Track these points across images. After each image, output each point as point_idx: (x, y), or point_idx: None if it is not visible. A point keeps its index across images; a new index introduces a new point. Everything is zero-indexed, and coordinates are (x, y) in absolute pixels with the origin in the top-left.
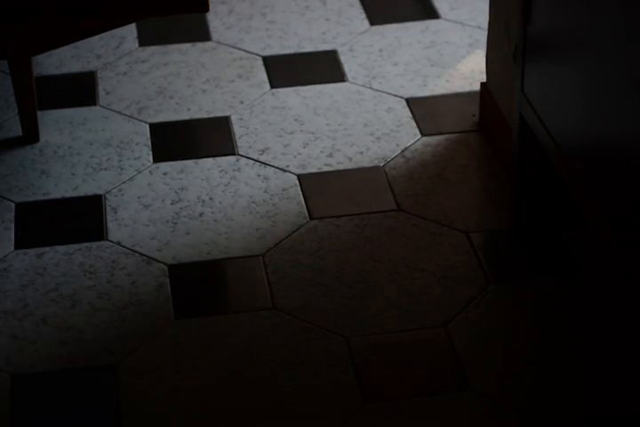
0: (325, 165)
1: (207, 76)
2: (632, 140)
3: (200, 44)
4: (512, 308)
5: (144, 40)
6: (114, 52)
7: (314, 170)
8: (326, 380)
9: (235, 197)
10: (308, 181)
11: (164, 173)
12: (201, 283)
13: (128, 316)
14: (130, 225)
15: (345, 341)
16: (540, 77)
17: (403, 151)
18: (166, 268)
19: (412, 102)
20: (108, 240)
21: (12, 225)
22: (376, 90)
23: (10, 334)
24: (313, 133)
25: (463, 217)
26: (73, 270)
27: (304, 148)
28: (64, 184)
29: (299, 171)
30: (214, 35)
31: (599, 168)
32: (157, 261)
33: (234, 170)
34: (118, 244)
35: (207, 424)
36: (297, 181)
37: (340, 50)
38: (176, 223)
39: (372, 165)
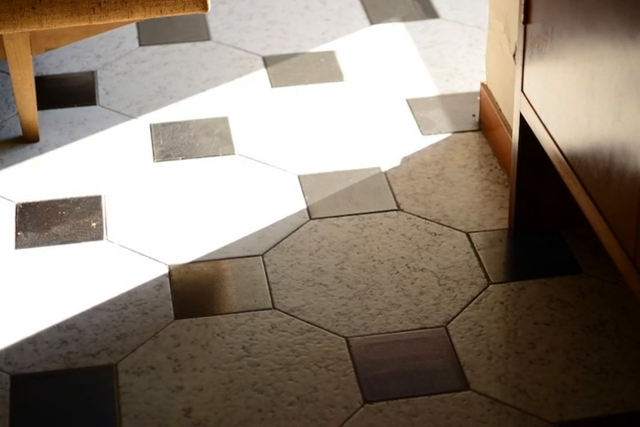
0: (325, 165)
1: (207, 76)
2: (631, 139)
3: (200, 44)
4: (512, 308)
5: (144, 40)
6: (114, 52)
7: (314, 170)
8: (326, 380)
9: (235, 197)
10: (308, 181)
11: (164, 173)
12: (201, 283)
13: (128, 316)
14: (130, 225)
15: (345, 341)
16: (540, 77)
17: (403, 151)
18: (166, 268)
19: (412, 102)
20: (108, 240)
21: (12, 225)
22: (376, 90)
23: (10, 334)
24: (313, 133)
25: (463, 217)
26: (73, 270)
27: (304, 148)
28: (64, 184)
29: (299, 171)
30: (214, 35)
31: (598, 168)
32: (157, 261)
33: (234, 170)
34: (118, 244)
35: (207, 424)
36: (297, 181)
37: (339, 50)
38: (176, 223)
39: (371, 164)
